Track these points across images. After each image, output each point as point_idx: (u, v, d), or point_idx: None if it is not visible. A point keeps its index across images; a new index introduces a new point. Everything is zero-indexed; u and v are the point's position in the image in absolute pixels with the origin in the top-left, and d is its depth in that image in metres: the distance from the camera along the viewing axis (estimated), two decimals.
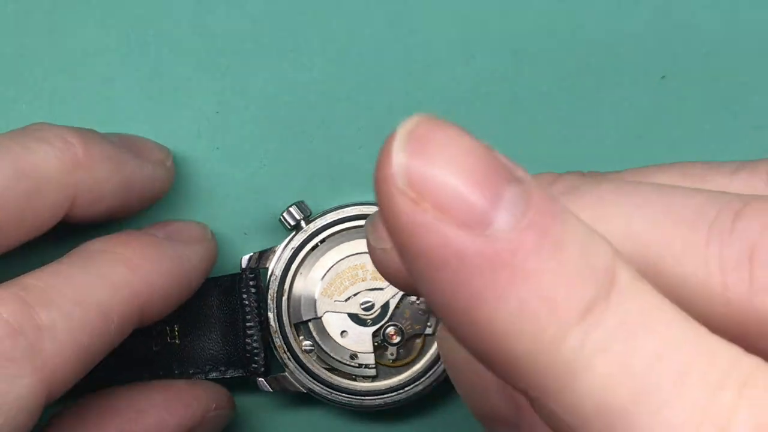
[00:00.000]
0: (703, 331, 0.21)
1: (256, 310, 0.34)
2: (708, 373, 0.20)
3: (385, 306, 0.35)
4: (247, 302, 0.34)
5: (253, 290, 0.34)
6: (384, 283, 0.35)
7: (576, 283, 0.20)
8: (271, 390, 0.35)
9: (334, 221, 0.35)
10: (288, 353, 0.35)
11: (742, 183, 0.27)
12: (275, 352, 0.35)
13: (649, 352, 0.20)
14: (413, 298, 0.35)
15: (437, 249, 0.19)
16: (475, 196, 0.19)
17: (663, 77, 0.36)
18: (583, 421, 0.20)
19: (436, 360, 0.35)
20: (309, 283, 0.35)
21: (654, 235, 0.24)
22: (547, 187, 0.21)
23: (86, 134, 0.31)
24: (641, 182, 0.25)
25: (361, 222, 0.35)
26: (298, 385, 0.35)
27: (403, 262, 0.20)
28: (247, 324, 0.34)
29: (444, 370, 0.34)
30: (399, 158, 0.19)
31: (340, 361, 0.35)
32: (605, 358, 0.20)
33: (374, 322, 0.35)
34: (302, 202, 0.35)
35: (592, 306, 0.20)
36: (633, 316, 0.20)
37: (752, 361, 0.21)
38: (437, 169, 0.19)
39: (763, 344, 0.24)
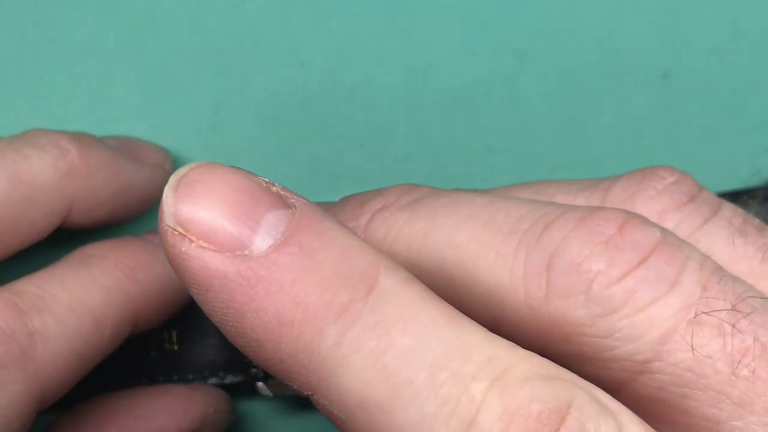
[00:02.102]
0: (466, 330, 0.22)
1: None
2: (463, 367, 0.21)
3: None
4: None
5: None
6: None
7: (330, 288, 0.22)
8: (270, 394, 0.34)
9: None
10: None
11: (583, 200, 0.28)
12: None
13: (404, 348, 0.22)
14: None
15: (201, 272, 0.22)
16: (233, 225, 0.22)
17: (665, 76, 0.36)
18: (349, 414, 0.22)
19: None
20: None
21: (471, 246, 0.25)
22: (318, 209, 0.23)
23: (83, 140, 0.31)
24: (479, 194, 0.27)
25: None
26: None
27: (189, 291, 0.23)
28: None
29: None
30: (168, 200, 0.22)
31: None
32: (360, 354, 0.22)
33: None
34: None
35: (347, 307, 0.22)
36: (391, 315, 0.22)
37: (514, 355, 0.22)
38: (199, 206, 0.22)
39: (566, 347, 0.25)
